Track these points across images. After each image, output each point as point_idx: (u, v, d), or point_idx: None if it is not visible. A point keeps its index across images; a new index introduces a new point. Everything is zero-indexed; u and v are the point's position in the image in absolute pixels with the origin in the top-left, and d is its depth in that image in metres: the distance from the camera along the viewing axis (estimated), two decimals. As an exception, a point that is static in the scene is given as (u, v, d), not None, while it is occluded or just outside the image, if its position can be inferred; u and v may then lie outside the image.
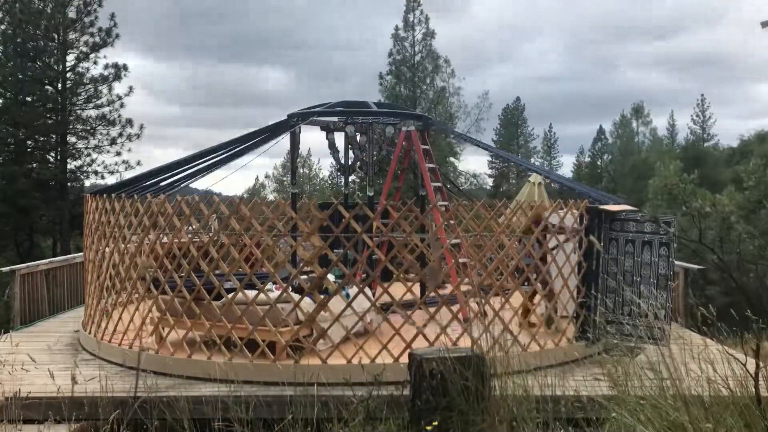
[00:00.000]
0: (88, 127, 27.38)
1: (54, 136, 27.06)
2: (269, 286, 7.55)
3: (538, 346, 6.97)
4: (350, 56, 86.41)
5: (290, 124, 10.19)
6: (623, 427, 4.13)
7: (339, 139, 10.45)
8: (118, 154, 27.63)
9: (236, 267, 7.59)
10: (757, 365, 3.98)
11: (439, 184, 9.66)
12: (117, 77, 27.30)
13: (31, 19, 26.32)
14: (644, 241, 7.52)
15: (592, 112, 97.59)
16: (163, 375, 6.64)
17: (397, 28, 39.26)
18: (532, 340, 7.03)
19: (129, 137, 27.64)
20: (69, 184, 27.20)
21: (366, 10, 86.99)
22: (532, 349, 6.88)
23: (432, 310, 6.91)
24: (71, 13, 27.15)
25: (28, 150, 27.30)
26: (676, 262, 10.07)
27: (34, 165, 27.31)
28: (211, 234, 8.40)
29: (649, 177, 29.50)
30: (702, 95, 62.85)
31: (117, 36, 27.32)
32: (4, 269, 9.79)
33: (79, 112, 27.50)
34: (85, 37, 27.20)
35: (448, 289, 8.17)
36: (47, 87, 27.06)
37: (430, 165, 9.72)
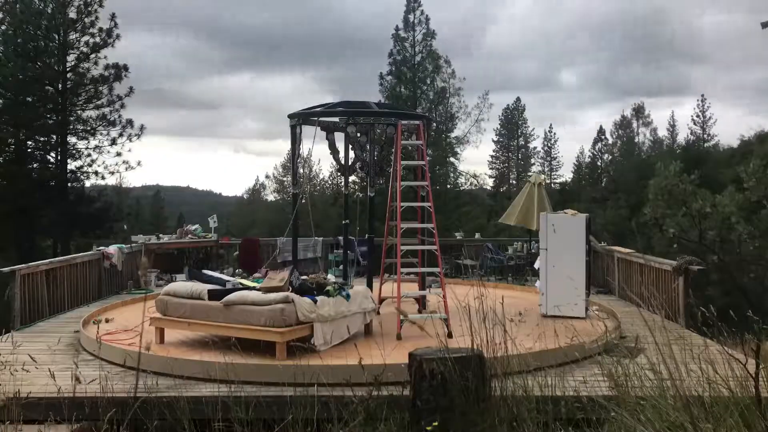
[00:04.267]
0: (89, 128, 27.38)
1: (54, 137, 27.05)
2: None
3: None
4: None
5: (291, 125, 10.22)
6: (623, 427, 4.13)
7: (339, 139, 10.47)
8: (119, 154, 27.65)
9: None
10: (758, 365, 3.98)
11: (423, 183, 9.60)
12: (117, 77, 27.31)
13: (32, 20, 26.31)
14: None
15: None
16: (163, 375, 6.64)
17: (397, 29, 39.30)
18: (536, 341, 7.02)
19: (129, 137, 27.67)
20: (69, 184, 27.20)
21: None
22: (532, 348, 6.87)
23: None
24: (71, 14, 27.16)
25: (29, 150, 27.30)
26: (668, 261, 10.12)
27: (35, 165, 27.31)
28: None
29: (650, 177, 29.48)
30: (702, 95, 62.89)
31: (117, 36, 27.35)
32: (4, 269, 9.79)
33: (79, 112, 27.50)
34: (85, 38, 27.22)
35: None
36: (47, 87, 27.05)
37: (421, 162, 9.71)
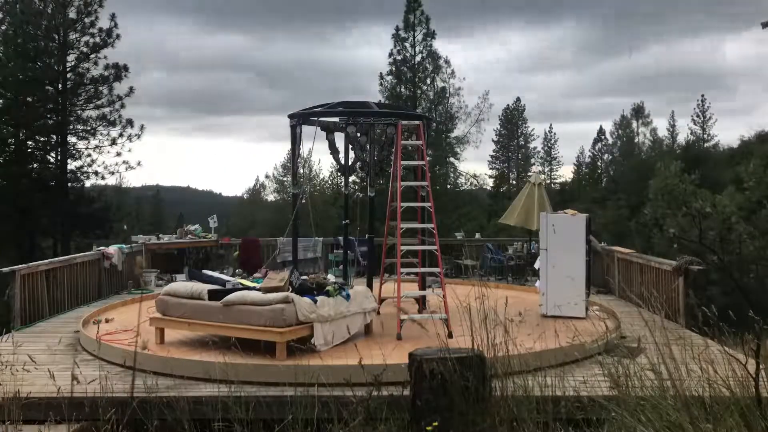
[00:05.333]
0: (89, 128, 27.37)
1: (54, 137, 27.04)
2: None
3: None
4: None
5: (291, 125, 10.22)
6: (623, 427, 4.13)
7: (339, 139, 10.47)
8: (119, 154, 27.65)
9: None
10: (758, 366, 3.98)
11: (423, 183, 9.61)
12: (117, 78, 27.30)
13: (32, 20, 26.30)
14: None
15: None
16: (163, 375, 6.64)
17: (397, 29, 39.27)
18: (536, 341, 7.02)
19: (129, 137, 27.67)
20: (69, 184, 27.19)
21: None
22: (532, 349, 6.87)
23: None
24: (72, 14, 27.14)
25: (29, 150, 27.27)
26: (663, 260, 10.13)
27: (35, 165, 27.29)
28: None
29: (650, 177, 29.51)
30: (702, 95, 62.89)
31: (117, 36, 27.35)
32: (4, 269, 9.78)
33: (79, 112, 27.49)
34: (85, 38, 27.21)
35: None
36: (47, 87, 27.03)
37: (421, 162, 9.73)
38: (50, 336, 8.71)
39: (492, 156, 61.62)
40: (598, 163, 61.30)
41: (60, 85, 26.90)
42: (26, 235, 26.42)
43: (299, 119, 10.10)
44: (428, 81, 39.46)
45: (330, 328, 7.63)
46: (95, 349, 7.70)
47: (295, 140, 10.13)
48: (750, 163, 25.49)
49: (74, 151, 27.34)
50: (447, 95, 40.15)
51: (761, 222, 22.70)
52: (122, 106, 27.44)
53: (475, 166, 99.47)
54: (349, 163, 10.57)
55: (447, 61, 39.93)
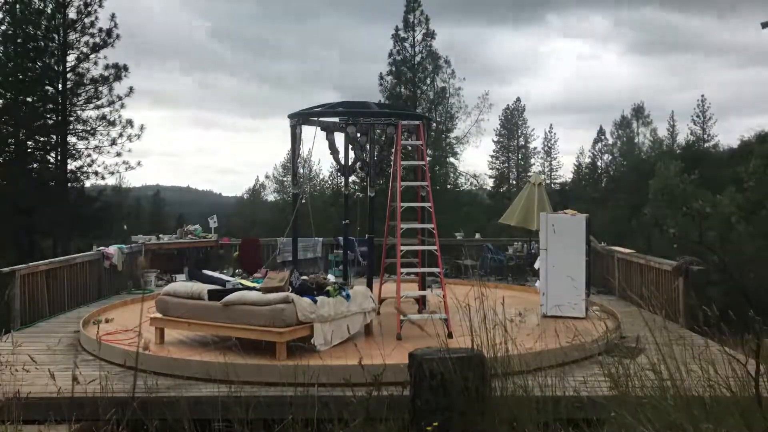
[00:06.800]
0: (89, 128, 27.38)
1: (54, 137, 27.05)
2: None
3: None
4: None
5: (291, 125, 10.22)
6: (623, 427, 4.12)
7: (339, 139, 10.47)
8: (119, 154, 27.65)
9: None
10: (758, 365, 3.97)
11: (423, 183, 9.62)
12: (117, 78, 27.32)
13: (32, 20, 26.32)
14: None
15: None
16: (163, 375, 6.64)
17: (397, 29, 39.30)
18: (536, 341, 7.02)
19: (129, 138, 27.67)
20: (69, 184, 27.19)
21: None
22: (532, 349, 6.86)
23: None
24: (71, 14, 27.16)
25: (29, 150, 27.28)
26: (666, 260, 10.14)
27: (35, 165, 27.31)
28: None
29: (650, 177, 29.51)
30: (702, 95, 62.84)
31: (117, 36, 27.36)
32: (4, 269, 9.78)
33: (79, 112, 27.49)
34: (85, 38, 27.22)
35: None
36: (47, 87, 27.04)
37: (421, 162, 9.73)
38: (50, 336, 8.71)
39: (492, 156, 61.66)
40: (598, 163, 61.25)
41: (60, 85, 26.90)
42: (26, 235, 26.42)
43: (299, 119, 10.10)
44: (428, 81, 39.49)
45: (330, 328, 7.63)
46: (95, 349, 7.70)
47: (295, 140, 10.14)
48: (750, 163, 25.51)
49: (74, 151, 27.35)
50: (447, 95, 40.19)
51: (761, 222, 22.72)
52: (122, 106, 27.48)
53: (475, 166, 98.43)
54: (349, 163, 10.57)
55: (447, 61, 40.00)
